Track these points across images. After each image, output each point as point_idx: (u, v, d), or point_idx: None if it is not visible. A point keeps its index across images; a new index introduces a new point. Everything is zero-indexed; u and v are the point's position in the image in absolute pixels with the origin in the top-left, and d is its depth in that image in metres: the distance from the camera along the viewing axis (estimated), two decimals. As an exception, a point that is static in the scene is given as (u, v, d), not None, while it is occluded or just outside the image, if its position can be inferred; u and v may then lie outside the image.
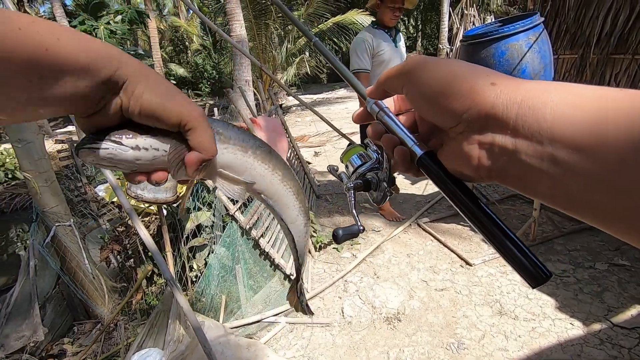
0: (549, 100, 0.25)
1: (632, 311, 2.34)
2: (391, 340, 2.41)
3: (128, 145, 0.34)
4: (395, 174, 0.53)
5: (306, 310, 0.67)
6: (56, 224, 2.56)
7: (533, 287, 0.30)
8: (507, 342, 2.27)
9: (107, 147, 0.34)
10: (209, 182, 2.59)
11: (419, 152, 0.35)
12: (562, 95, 0.25)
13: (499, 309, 2.54)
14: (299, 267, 0.61)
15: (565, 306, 2.48)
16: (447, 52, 13.35)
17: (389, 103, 0.41)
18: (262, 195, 0.48)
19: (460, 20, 12.44)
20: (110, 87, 0.32)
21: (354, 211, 0.53)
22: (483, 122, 0.29)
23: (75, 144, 0.37)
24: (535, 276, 0.29)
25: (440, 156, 0.35)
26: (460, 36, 11.22)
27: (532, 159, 0.26)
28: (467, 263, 3.04)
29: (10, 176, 7.79)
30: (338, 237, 0.51)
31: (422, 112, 0.34)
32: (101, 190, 2.99)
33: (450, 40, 13.20)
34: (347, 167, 0.55)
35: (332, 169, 0.59)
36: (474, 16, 12.22)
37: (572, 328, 2.30)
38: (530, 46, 2.81)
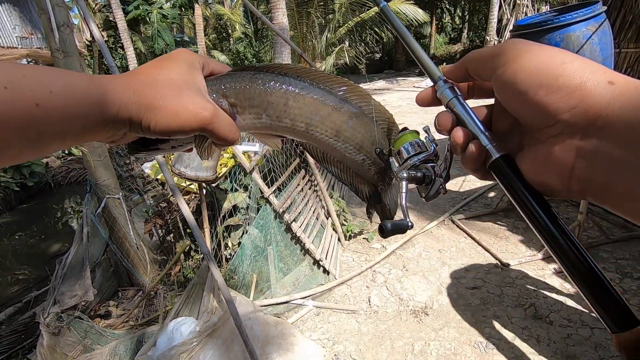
0: None
1: (685, 328, 2.17)
2: (417, 333, 2.40)
3: (166, 148, 0.40)
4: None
5: (388, 213, 0.61)
6: (107, 196, 2.77)
7: (613, 332, 0.25)
8: (540, 347, 2.19)
9: (150, 153, 0.40)
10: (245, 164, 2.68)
11: (495, 153, 0.31)
12: None
13: (532, 313, 2.45)
14: (371, 203, 0.54)
15: (607, 316, 2.34)
16: (494, 43, 12.67)
17: (462, 89, 0.36)
18: (302, 142, 0.47)
19: (511, 11, 11.73)
20: (117, 127, 0.32)
21: (404, 204, 0.48)
22: (589, 124, 0.24)
23: (127, 145, 0.42)
24: (618, 322, 0.25)
25: (520, 161, 0.30)
26: (510, 27, 10.60)
27: None
28: (502, 263, 2.94)
29: (66, 152, 8.45)
30: (385, 231, 0.46)
31: (511, 105, 0.30)
32: (147, 168, 3.19)
33: (499, 32, 12.50)
34: (398, 153, 0.50)
35: (380, 153, 0.54)
36: (527, 6, 11.47)
37: (612, 339, 2.17)
38: (589, 37, 2.62)
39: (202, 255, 2.72)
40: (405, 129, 0.52)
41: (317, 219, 3.26)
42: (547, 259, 2.93)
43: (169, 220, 2.88)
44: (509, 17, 11.78)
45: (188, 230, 2.82)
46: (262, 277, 2.76)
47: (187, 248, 2.99)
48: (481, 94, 0.37)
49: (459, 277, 2.88)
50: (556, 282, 2.69)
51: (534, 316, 2.42)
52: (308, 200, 3.19)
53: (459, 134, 0.33)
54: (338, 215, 3.52)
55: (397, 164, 0.50)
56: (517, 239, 3.27)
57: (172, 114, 0.33)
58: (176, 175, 2.13)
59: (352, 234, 3.56)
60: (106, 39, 15.47)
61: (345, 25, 12.23)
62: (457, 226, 3.59)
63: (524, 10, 11.32)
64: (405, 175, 0.46)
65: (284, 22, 7.07)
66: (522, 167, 0.30)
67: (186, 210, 1.99)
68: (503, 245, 3.22)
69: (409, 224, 0.47)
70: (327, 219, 3.46)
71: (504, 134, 0.33)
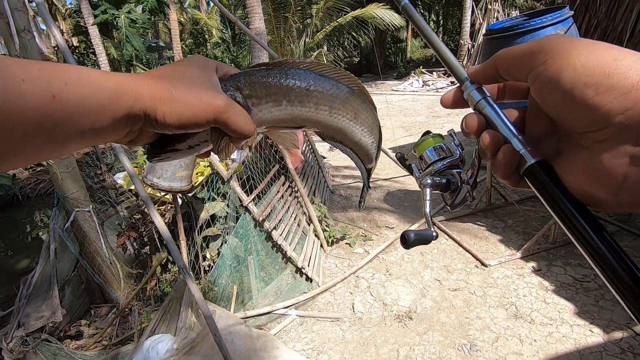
0: None
1: (657, 320, 2.23)
2: (402, 339, 2.38)
3: (183, 148, 0.39)
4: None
5: (362, 200, 0.61)
6: (76, 209, 2.63)
7: None
8: (522, 346, 2.21)
9: (169, 155, 0.40)
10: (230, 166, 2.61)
11: (530, 159, 0.28)
12: None
13: (514, 312, 2.47)
14: (367, 183, 0.56)
15: (585, 312, 2.39)
16: (468, 47, 13.03)
17: (491, 90, 0.34)
18: (318, 132, 0.46)
19: (483, 16, 12.10)
20: (134, 121, 0.32)
21: (428, 212, 0.44)
22: None
23: (146, 151, 0.41)
24: None
25: (559, 169, 0.28)
26: (483, 31, 10.91)
27: None
28: (483, 264, 2.97)
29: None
30: (408, 242, 0.43)
31: (553, 106, 0.27)
32: (119, 178, 3.05)
33: (472, 36, 12.87)
34: (420, 158, 0.48)
35: (401, 157, 0.51)
36: (498, 11, 11.87)
37: (591, 335, 2.22)
38: (558, 41, 2.69)
39: (179, 268, 2.62)
40: (428, 132, 0.49)
41: (298, 225, 3.21)
42: (526, 257, 2.98)
43: (144, 233, 2.76)
44: (481, 21, 12.16)
45: (164, 242, 2.71)
46: (243, 288, 2.68)
47: (164, 260, 2.87)
48: (513, 96, 0.34)
49: (442, 280, 2.89)
50: (535, 280, 2.73)
51: (515, 315, 2.45)
52: (289, 207, 3.14)
53: (488, 137, 0.31)
54: (320, 221, 3.48)
55: (418, 170, 0.47)
56: (497, 239, 3.32)
57: (185, 105, 0.33)
58: (149, 187, 2.04)
59: (335, 240, 3.53)
60: (77, 44, 14.97)
61: (323, 30, 12.28)
62: (438, 228, 3.62)
63: (495, 15, 11.70)
64: (429, 182, 0.44)
65: (261, 27, 7.01)
66: (562, 174, 0.27)
67: (160, 223, 1.90)
68: (483, 246, 3.26)
69: (434, 234, 0.44)
70: (309, 225, 3.42)
71: (538, 138, 0.30)
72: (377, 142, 0.50)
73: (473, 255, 3.10)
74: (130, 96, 0.31)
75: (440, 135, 0.47)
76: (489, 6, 11.93)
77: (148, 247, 3.01)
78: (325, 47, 13.24)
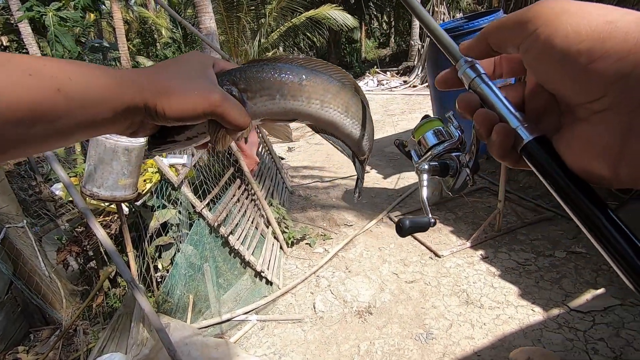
0: None
1: (587, 296, 2.47)
2: (362, 334, 2.42)
3: (182, 139, 0.41)
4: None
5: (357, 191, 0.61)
6: (7, 226, 2.39)
7: None
8: (473, 330, 2.34)
9: (168, 146, 0.41)
10: (178, 176, 2.50)
11: (527, 136, 0.27)
12: None
13: (465, 299, 2.61)
14: (361, 175, 0.56)
15: (527, 293, 2.58)
16: (418, 48, 13.58)
17: (487, 67, 0.31)
18: (310, 125, 0.48)
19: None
20: (134, 113, 0.34)
21: (424, 199, 0.43)
22: None
23: (147, 143, 0.42)
24: None
25: (558, 144, 0.26)
26: (431, 33, 11.39)
27: None
28: (436, 255, 3.11)
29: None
30: (403, 229, 0.42)
31: (546, 78, 0.25)
32: (58, 189, 2.82)
33: (421, 37, 13.42)
34: (419, 143, 0.46)
35: (400, 144, 0.50)
36: (444, 13, 12.49)
37: (533, 314, 2.40)
38: (494, 42, 2.88)
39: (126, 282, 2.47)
40: (427, 116, 0.48)
41: (256, 228, 3.16)
42: (475, 246, 3.16)
43: (88, 246, 2.58)
44: (429, 23, 12.68)
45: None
46: (199, 297, 2.59)
47: (113, 274, 2.70)
48: (511, 71, 0.32)
49: (399, 273, 2.98)
50: (484, 267, 2.90)
51: (467, 302, 2.59)
52: (245, 211, 3.08)
53: (482, 115, 0.29)
54: (279, 223, 3.45)
55: (417, 156, 0.46)
56: (448, 230, 3.48)
57: (183, 97, 0.34)
58: (88, 197, 1.90)
59: (295, 240, 3.52)
60: (7, 43, 13.64)
61: (278, 30, 12.20)
62: (393, 222, 3.72)
63: (442, 17, 12.29)
64: (426, 167, 0.43)
65: (212, 26, 6.82)
66: (561, 150, 0.26)
67: (102, 235, 1.78)
68: (436, 237, 3.40)
69: (431, 220, 0.43)
70: (268, 227, 3.38)
71: (539, 116, 0.28)
72: (368, 135, 0.51)
73: (427, 247, 3.24)
74: (131, 90, 0.32)
75: (439, 119, 0.46)
76: (436, 8, 12.51)
77: (94, 262, 2.81)
78: (280, 48, 13.16)
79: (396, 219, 3.70)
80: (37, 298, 2.47)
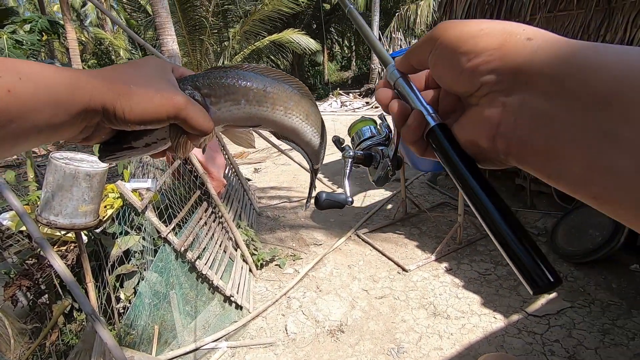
0: (604, 61, 0.21)
1: (542, 300, 2.65)
2: (335, 353, 2.42)
3: (140, 146, 0.38)
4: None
5: (306, 202, 0.64)
6: (-55, 261, 2.18)
7: (533, 294, 0.25)
8: (442, 341, 2.42)
9: (124, 153, 0.38)
10: (146, 195, 2.42)
11: (432, 122, 0.31)
12: (619, 53, 0.21)
13: (433, 311, 2.70)
14: (313, 178, 0.59)
15: (489, 302, 2.72)
16: (379, 71, 14.24)
17: (420, 82, 0.36)
18: (273, 132, 0.48)
19: (389, 43, 13.39)
20: (90, 116, 0.32)
21: (346, 180, 0.48)
22: (513, 80, 0.25)
23: (99, 150, 0.39)
24: (535, 280, 0.24)
25: (455, 129, 0.31)
26: (389, 57, 12.03)
27: (574, 128, 0.22)
28: (404, 269, 3.20)
29: None
30: (320, 202, 0.45)
31: (443, 79, 0.30)
32: (6, 219, 2.62)
33: (381, 60, 14.10)
34: (353, 139, 0.52)
35: (337, 140, 0.55)
36: (401, 39, 13.27)
37: (495, 321, 2.53)
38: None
39: (86, 315, 2.31)
40: (363, 117, 0.55)
41: (224, 252, 3.10)
42: (439, 259, 3.30)
43: (40, 280, 2.39)
44: (387, 48, 13.40)
45: (67, 287, 2.38)
46: (165, 327, 2.47)
47: (68, 308, 2.51)
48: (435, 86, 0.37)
49: (369, 289, 3.03)
50: (448, 279, 3.03)
51: (434, 313, 2.68)
52: (213, 234, 3.02)
53: (397, 104, 0.34)
54: (247, 245, 3.41)
55: (349, 149, 0.51)
56: (414, 245, 3.61)
57: (146, 100, 0.33)
58: (45, 226, 1.80)
59: (264, 262, 3.48)
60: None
61: (241, 52, 12.33)
62: (363, 240, 3.81)
63: (399, 43, 13.03)
64: (351, 153, 0.48)
65: (175, 48, 6.77)
66: (457, 133, 0.30)
67: (60, 266, 1.69)
68: (403, 252, 3.51)
69: (349, 199, 0.48)
70: (236, 250, 3.32)
71: (447, 114, 0.33)
72: (324, 143, 0.54)
73: (395, 263, 3.33)
74: (86, 90, 0.30)
75: (372, 120, 0.53)
76: (393, 35, 13.28)
77: (47, 296, 2.61)
78: (244, 70, 13.25)
79: (363, 235, 3.79)
80: (-20, 340, 2.24)
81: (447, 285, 2.96)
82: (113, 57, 18.05)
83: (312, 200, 0.44)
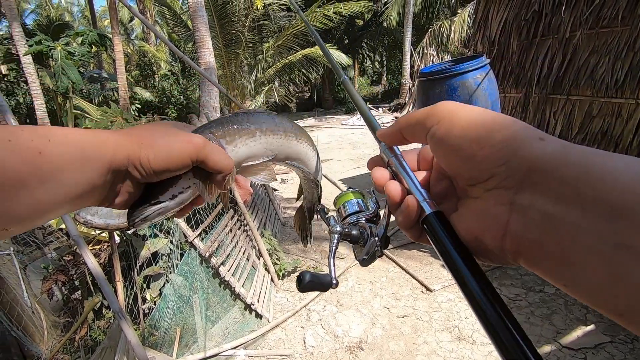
0: (614, 167, 0.21)
1: (578, 332, 2.47)
2: (353, 371, 2.36)
3: (167, 199, 0.38)
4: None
5: (306, 239, 0.66)
6: (-7, 253, 2.35)
7: None
8: (466, 368, 2.30)
9: (153, 210, 0.38)
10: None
11: (428, 209, 0.30)
12: (628, 163, 0.21)
13: (457, 334, 2.58)
14: (319, 194, 0.61)
15: (518, 329, 2.57)
16: (409, 86, 14.16)
17: (412, 162, 0.36)
18: (287, 161, 0.51)
19: (421, 59, 13.33)
20: (115, 172, 0.33)
21: (331, 259, 0.45)
22: (524, 178, 0.24)
23: (128, 215, 0.38)
24: None
25: (455, 220, 0.30)
26: (421, 73, 11.97)
27: (590, 235, 0.21)
28: (428, 289, 3.10)
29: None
30: (303, 282, 0.42)
31: (446, 162, 0.30)
32: (49, 216, 2.80)
33: (412, 76, 14.05)
34: (339, 210, 0.49)
35: (322, 210, 0.54)
36: (433, 55, 13.16)
37: (525, 351, 2.38)
38: (479, 84, 3.06)
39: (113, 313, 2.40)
40: (349, 188, 0.53)
41: (247, 260, 3.14)
42: (466, 280, 3.17)
43: (75, 276, 2.52)
44: (419, 63, 13.34)
45: (98, 285, 2.49)
46: (187, 330, 2.52)
47: (98, 305, 2.62)
48: (426, 166, 0.37)
49: (390, 307, 2.95)
50: (475, 302, 2.90)
51: (459, 338, 2.56)
52: (237, 241, 3.07)
53: (393, 186, 0.33)
54: (270, 255, 3.43)
55: (334, 222, 0.48)
56: (439, 264, 3.49)
57: (167, 146, 0.35)
58: (82, 225, 1.90)
59: (286, 273, 3.48)
60: (6, 72, 13.85)
61: (274, 66, 12.68)
62: (386, 256, 3.73)
63: (431, 59, 12.93)
64: (338, 229, 0.44)
65: (211, 61, 7.08)
66: (457, 225, 0.29)
67: (93, 264, 1.77)
68: (428, 271, 3.41)
69: (333, 281, 0.43)
70: (259, 259, 3.35)
71: (440, 197, 0.33)
72: (320, 166, 0.58)
73: (419, 281, 3.23)
74: (110, 145, 0.32)
75: (360, 192, 0.50)
76: (425, 50, 13.21)
77: (79, 292, 2.74)
78: (276, 82, 13.60)
79: (387, 252, 3.72)
80: (17, 330, 2.38)
81: (474, 309, 2.83)
82: (154, 68, 19.09)
83: (297, 276, 0.43)
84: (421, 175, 0.35)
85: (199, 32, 6.78)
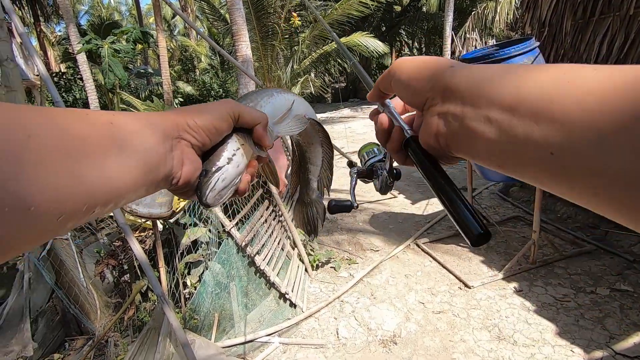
0: (490, 74, 0.31)
1: (635, 339, 2.27)
2: (386, 364, 2.34)
3: (224, 163, 0.41)
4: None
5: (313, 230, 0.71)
6: (53, 237, 2.57)
7: (473, 246, 0.33)
8: (505, 369, 2.20)
9: (216, 177, 0.40)
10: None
11: (408, 134, 0.41)
12: (500, 69, 0.31)
13: (497, 334, 2.48)
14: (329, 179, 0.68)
15: (565, 332, 2.41)
16: (449, 74, 13.55)
17: (399, 108, 0.47)
18: (305, 117, 0.55)
19: (462, 44, 12.68)
20: (170, 137, 0.38)
21: (352, 192, 0.64)
22: (442, 95, 0.34)
23: (196, 193, 0.41)
24: (473, 234, 0.32)
25: (419, 136, 0.40)
26: (462, 59, 11.39)
27: (474, 121, 0.30)
28: (466, 285, 2.99)
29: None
30: (330, 207, 0.63)
31: (402, 97, 0.41)
32: (100, 205, 3.02)
33: (453, 62, 13.41)
34: (361, 160, 0.66)
35: (351, 163, 0.70)
36: (476, 40, 12.47)
37: (572, 356, 2.23)
38: (526, 69, 2.85)
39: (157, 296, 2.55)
40: (369, 142, 0.70)
41: (282, 250, 3.19)
42: (507, 278, 3.01)
43: (124, 260, 2.71)
44: (460, 49, 12.70)
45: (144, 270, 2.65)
46: (224, 316, 2.62)
47: (144, 288, 2.80)
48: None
49: (426, 302, 2.88)
50: (517, 301, 2.75)
51: (498, 337, 2.45)
52: (272, 232, 3.13)
53: (383, 117, 0.45)
54: (304, 245, 3.47)
55: (356, 167, 0.66)
56: (479, 260, 3.35)
57: (206, 110, 0.41)
58: (128, 213, 2.03)
59: (320, 264, 3.51)
60: (65, 70, 15.01)
61: (310, 56, 12.64)
62: (422, 250, 3.64)
63: (474, 44, 12.26)
64: (355, 170, 0.64)
65: (248, 54, 7.18)
66: (420, 139, 0.39)
67: (138, 250, 1.88)
68: (466, 267, 3.28)
69: (354, 204, 0.64)
70: (293, 249, 3.40)
71: (418, 129, 0.43)
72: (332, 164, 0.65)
73: (456, 277, 3.12)
74: (156, 117, 0.37)
75: (376, 143, 0.65)
76: (468, 35, 12.53)
77: (128, 275, 2.94)
78: (312, 74, 13.58)
79: (423, 245, 3.62)
80: (75, 308, 2.60)
81: (516, 308, 2.69)
82: (195, 62, 19.76)
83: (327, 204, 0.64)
84: (409, 118, 0.45)
85: (236, 25, 6.89)
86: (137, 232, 2.76)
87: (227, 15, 11.43)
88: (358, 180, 0.64)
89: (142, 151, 0.33)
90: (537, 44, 2.92)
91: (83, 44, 6.35)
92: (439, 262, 3.38)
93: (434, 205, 4.71)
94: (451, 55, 13.43)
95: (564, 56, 3.79)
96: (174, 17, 25.81)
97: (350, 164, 0.69)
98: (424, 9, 16.84)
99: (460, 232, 0.34)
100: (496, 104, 0.28)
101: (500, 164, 0.30)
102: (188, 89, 17.42)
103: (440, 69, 0.36)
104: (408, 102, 0.40)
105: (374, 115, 0.48)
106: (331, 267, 3.49)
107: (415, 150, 0.39)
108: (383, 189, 0.60)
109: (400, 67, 0.40)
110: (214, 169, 0.41)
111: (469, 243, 0.33)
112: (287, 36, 12.11)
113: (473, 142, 0.31)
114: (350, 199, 0.62)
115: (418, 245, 3.73)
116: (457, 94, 0.33)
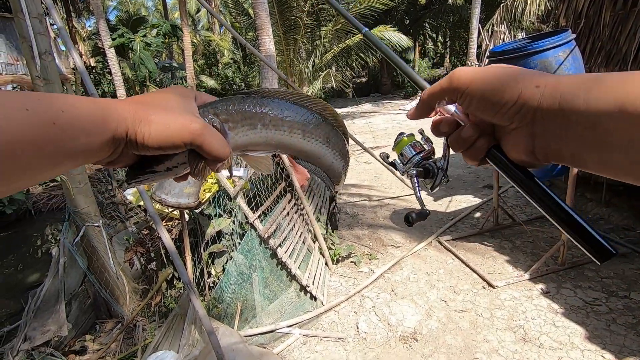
0: (580, 93, 0.32)
1: (672, 347, 2.16)
2: (406, 360, 2.33)
3: (161, 170, 0.40)
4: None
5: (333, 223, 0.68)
6: (86, 224, 2.69)
7: (600, 262, 0.35)
8: (531, 371, 2.15)
9: (147, 177, 0.40)
10: (230, 187, 2.65)
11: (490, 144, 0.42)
12: (587, 86, 0.32)
13: (522, 335, 2.41)
14: (333, 198, 0.64)
15: (596, 337, 2.33)
16: (475, 68, 13.14)
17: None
18: (292, 156, 0.51)
19: (489, 37, 12.28)
20: (117, 142, 0.35)
21: (419, 195, 0.59)
22: (533, 118, 0.35)
23: (126, 174, 0.41)
24: (601, 251, 0.33)
25: (504, 149, 0.41)
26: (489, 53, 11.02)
27: (579, 135, 0.32)
28: (490, 285, 2.93)
29: (49, 178, 8.23)
30: (411, 219, 0.60)
31: (484, 116, 0.40)
32: (129, 194, 3.12)
33: (479, 57, 13.02)
34: (400, 155, 0.61)
35: (384, 157, 0.67)
36: (505, 33, 12.03)
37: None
38: (561, 63, 2.73)
39: (183, 284, 2.63)
40: (402, 133, 0.62)
41: (303, 243, 3.22)
42: (534, 279, 2.93)
43: (151, 248, 2.80)
44: (487, 43, 12.31)
45: (171, 258, 2.74)
46: (246, 305, 2.67)
47: (170, 276, 2.89)
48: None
49: (448, 300, 2.84)
50: (544, 303, 2.67)
51: (524, 339, 2.39)
52: (294, 225, 3.15)
53: (470, 132, 0.42)
54: (325, 239, 3.48)
55: (401, 165, 0.60)
56: (504, 259, 3.27)
57: (163, 126, 0.36)
58: (157, 202, 2.09)
59: (340, 258, 3.51)
60: (94, 64, 15.55)
61: (332, 51, 12.57)
62: (445, 247, 3.58)
63: (502, 37, 11.85)
64: (414, 172, 0.58)
65: (271, 48, 7.21)
66: (506, 151, 0.40)
67: (167, 239, 1.94)
68: (490, 266, 3.21)
69: (427, 211, 0.62)
70: (314, 243, 3.42)
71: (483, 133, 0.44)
72: (346, 167, 0.55)
73: (480, 276, 3.06)
74: (114, 120, 0.34)
75: (412, 135, 0.61)
76: (495, 28, 12.11)
77: (154, 263, 3.04)
78: (334, 68, 13.50)
79: (446, 243, 3.57)
80: (105, 292, 2.72)
81: (543, 310, 2.61)
82: (218, 57, 20.01)
83: (404, 217, 0.61)
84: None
85: (259, 19, 6.92)
86: (165, 221, 2.84)
87: (250, 10, 11.49)
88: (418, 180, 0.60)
89: (80, 150, 0.32)
90: (574, 36, 2.79)
91: (115, 38, 6.56)
92: (462, 260, 3.32)
93: (457, 203, 4.61)
94: (477, 49, 13.05)
95: (601, 49, 3.61)
96: (197, 11, 26.19)
97: (387, 157, 0.66)
98: (450, 1, 16.39)
99: (584, 250, 0.35)
100: (602, 115, 0.30)
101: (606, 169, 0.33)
102: (211, 82, 17.69)
103: (525, 90, 0.35)
104: (483, 118, 0.40)
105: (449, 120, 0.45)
106: (351, 262, 3.49)
107: (505, 160, 0.40)
108: (436, 186, 0.58)
109: (474, 87, 0.38)
110: (148, 170, 0.40)
111: (596, 261, 0.35)
112: (309, 30, 12.08)
113: (582, 154, 0.33)
114: (422, 206, 0.60)
115: (440, 243, 3.67)
116: (551, 117, 0.34)
